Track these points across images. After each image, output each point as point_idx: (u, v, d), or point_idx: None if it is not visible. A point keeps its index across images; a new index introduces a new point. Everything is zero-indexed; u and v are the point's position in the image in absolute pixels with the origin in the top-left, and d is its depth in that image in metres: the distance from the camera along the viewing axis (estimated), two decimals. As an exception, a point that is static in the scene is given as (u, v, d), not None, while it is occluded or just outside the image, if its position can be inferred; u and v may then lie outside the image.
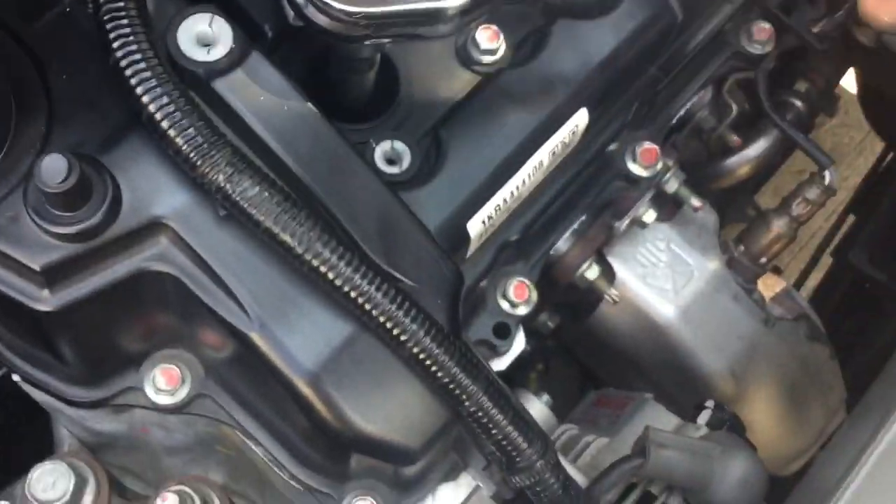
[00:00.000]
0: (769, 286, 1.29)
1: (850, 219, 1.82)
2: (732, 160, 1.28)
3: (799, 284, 1.91)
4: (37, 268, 0.70)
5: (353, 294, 0.71)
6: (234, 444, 0.91)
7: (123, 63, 0.68)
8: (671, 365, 1.17)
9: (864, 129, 2.17)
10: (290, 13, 0.76)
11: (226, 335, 0.77)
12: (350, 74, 0.84)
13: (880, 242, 1.57)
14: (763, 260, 1.21)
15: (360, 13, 0.70)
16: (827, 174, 1.16)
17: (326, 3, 0.70)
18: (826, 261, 1.88)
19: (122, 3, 0.70)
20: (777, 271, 1.48)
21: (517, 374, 1.33)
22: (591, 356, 1.32)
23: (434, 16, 0.71)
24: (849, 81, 1.58)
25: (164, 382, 0.84)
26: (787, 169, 1.77)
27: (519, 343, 0.95)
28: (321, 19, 0.71)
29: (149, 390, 0.85)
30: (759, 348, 1.19)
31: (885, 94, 1.48)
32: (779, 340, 1.21)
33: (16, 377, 0.88)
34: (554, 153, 0.87)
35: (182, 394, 0.85)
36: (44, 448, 0.97)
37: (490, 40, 0.87)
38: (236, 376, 0.84)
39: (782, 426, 1.21)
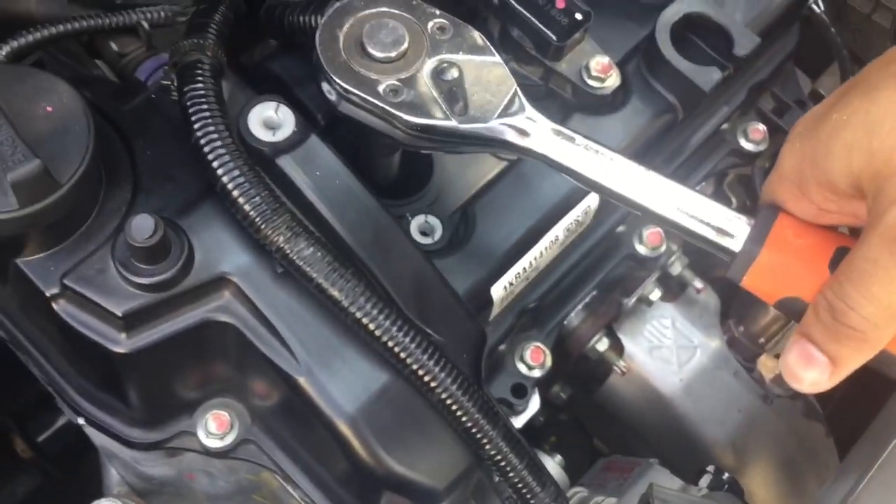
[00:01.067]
0: (770, 368, 1.38)
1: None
2: (733, 249, 1.39)
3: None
4: (119, 313, 0.80)
5: (390, 344, 0.81)
6: (272, 491, 0.99)
7: (203, 141, 0.80)
8: (675, 435, 1.26)
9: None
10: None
11: (275, 381, 0.86)
12: (389, 158, 0.97)
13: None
14: (761, 340, 1.31)
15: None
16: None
17: (344, 89, 0.81)
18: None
19: (202, 91, 0.82)
20: (777, 356, 1.57)
21: (531, 445, 1.42)
22: (601, 426, 1.40)
23: (392, 120, 0.81)
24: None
25: (214, 427, 0.94)
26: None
27: (534, 404, 1.05)
28: (350, 109, 0.82)
29: (201, 434, 0.94)
30: (758, 423, 1.27)
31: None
32: (777, 416, 1.29)
33: (80, 420, 0.98)
34: (568, 230, 0.98)
35: (230, 438, 0.94)
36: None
37: (513, 132, 0.99)
38: (280, 423, 0.93)
39: (779, 498, 1.28)
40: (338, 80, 0.81)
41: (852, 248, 0.70)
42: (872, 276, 0.67)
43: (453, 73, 0.83)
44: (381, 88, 0.81)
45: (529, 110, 0.82)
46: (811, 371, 0.71)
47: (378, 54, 0.82)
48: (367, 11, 0.83)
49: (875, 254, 0.67)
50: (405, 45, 0.82)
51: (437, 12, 0.85)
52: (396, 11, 0.84)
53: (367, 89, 0.81)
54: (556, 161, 0.81)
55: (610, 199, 0.81)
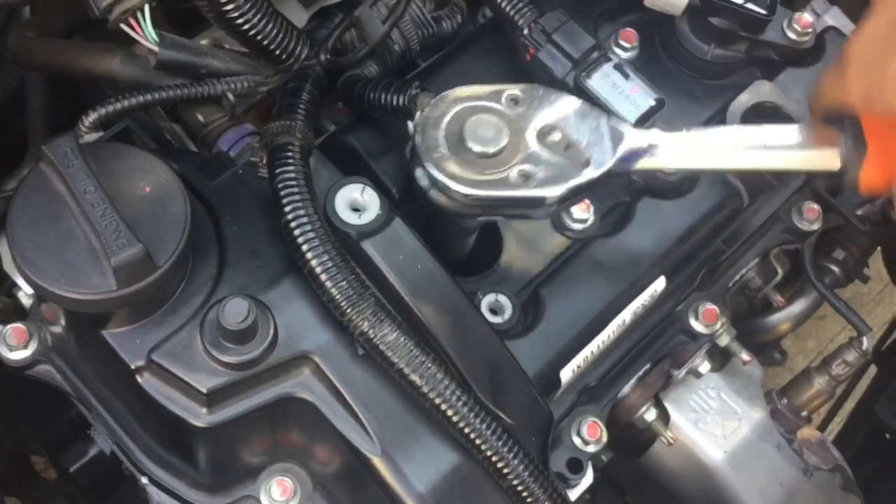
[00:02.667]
0: (805, 436, 1.39)
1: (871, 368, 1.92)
2: (775, 317, 1.40)
3: (822, 429, 2.00)
4: (204, 390, 0.82)
5: (466, 429, 0.83)
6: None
7: (293, 224, 0.82)
8: (717, 505, 1.27)
9: (883, 280, 2.29)
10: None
11: (346, 455, 0.88)
12: (459, 237, 0.98)
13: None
14: (804, 413, 1.32)
15: (473, 196, 0.84)
16: (864, 340, 1.28)
17: (446, 187, 0.84)
18: (846, 407, 1.98)
19: (292, 174, 0.84)
20: (808, 420, 1.58)
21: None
22: (640, 491, 1.41)
23: (537, 203, 0.85)
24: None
25: (278, 493, 0.95)
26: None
27: (588, 478, 1.06)
28: (442, 200, 0.85)
29: (264, 499, 0.95)
30: (798, 496, 1.28)
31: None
32: (816, 489, 1.30)
33: (144, 479, 0.99)
34: (635, 313, 0.99)
35: (292, 505, 0.96)
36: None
37: (582, 210, 1.01)
38: (341, 490, 0.94)
39: (817, 571, 1.29)
40: (472, 191, 0.84)
41: None
42: None
43: (556, 135, 0.86)
44: (511, 178, 0.84)
45: (630, 129, 0.88)
46: None
47: (489, 149, 0.85)
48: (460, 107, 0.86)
49: None
50: (505, 138, 0.85)
51: (507, 88, 0.89)
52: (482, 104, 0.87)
53: (496, 185, 0.84)
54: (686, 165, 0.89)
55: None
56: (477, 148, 0.84)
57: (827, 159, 0.87)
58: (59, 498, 1.51)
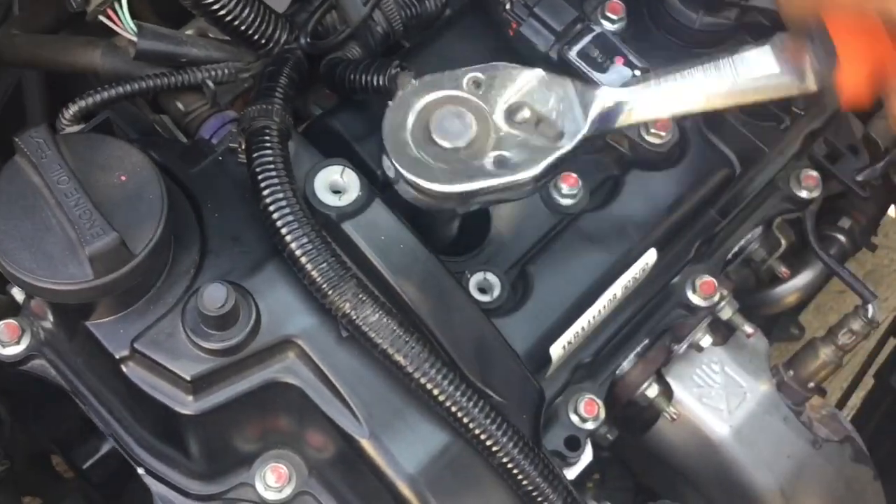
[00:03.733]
0: (815, 408, 1.37)
1: (891, 341, 1.90)
2: (781, 289, 1.39)
3: (841, 405, 1.98)
4: (188, 378, 0.82)
5: (453, 408, 0.82)
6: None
7: (271, 208, 0.81)
8: (723, 481, 1.25)
9: (904, 251, 2.26)
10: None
11: (336, 439, 0.87)
12: (445, 220, 0.97)
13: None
14: (811, 384, 1.30)
15: (444, 192, 0.82)
16: (870, 308, 1.26)
17: (415, 183, 0.82)
18: (867, 381, 1.96)
19: (270, 158, 0.83)
20: (822, 392, 1.56)
21: (574, 482, 1.42)
22: (647, 469, 1.40)
23: (515, 186, 0.83)
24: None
25: (273, 480, 0.95)
26: (828, 288, 1.87)
27: (587, 455, 1.05)
28: (411, 194, 0.83)
29: (259, 486, 0.95)
30: (807, 468, 1.26)
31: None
32: (825, 461, 1.28)
33: (140, 470, 0.99)
34: (626, 287, 0.98)
35: (287, 491, 0.95)
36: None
37: (570, 186, 1.00)
38: (337, 476, 0.94)
39: (829, 543, 1.28)
40: (445, 187, 0.82)
41: None
42: None
43: (524, 112, 0.84)
44: (485, 167, 0.82)
45: (598, 91, 0.85)
46: None
47: (459, 143, 0.83)
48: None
49: None
50: (473, 129, 0.83)
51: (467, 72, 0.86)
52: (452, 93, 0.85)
53: (471, 177, 0.81)
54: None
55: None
56: (446, 144, 0.82)
57: (801, 78, 0.82)
58: (75, 495, 1.52)
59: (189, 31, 1.05)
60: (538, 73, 0.85)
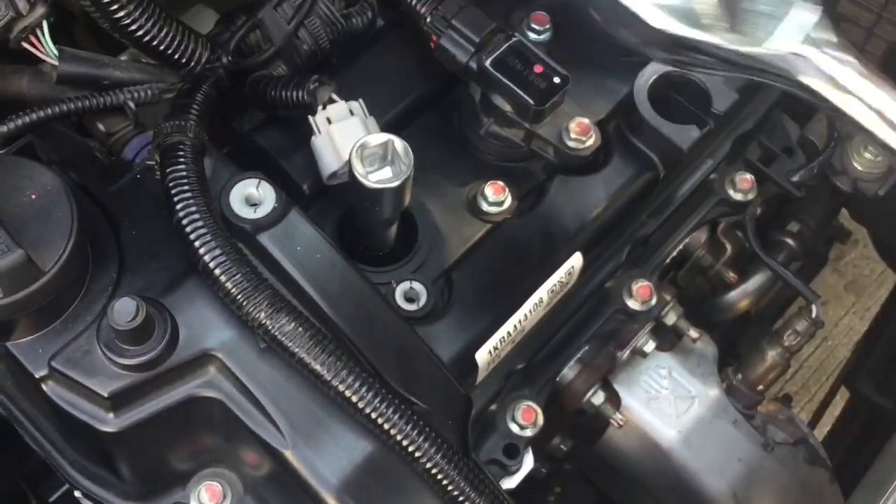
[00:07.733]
0: (770, 412, 1.37)
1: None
2: (731, 295, 1.39)
3: (820, 414, 1.97)
4: (105, 394, 0.82)
5: (373, 415, 0.82)
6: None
7: (184, 221, 0.82)
8: (676, 487, 1.25)
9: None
10: (324, 174, 0.90)
11: (263, 454, 0.87)
12: (375, 228, 0.98)
13: (885, 370, 1.64)
14: (760, 387, 1.30)
15: None
16: (813, 308, 1.26)
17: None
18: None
19: (183, 172, 0.84)
20: (788, 399, 1.56)
21: (536, 496, 1.42)
22: (603, 478, 1.40)
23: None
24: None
25: (207, 498, 0.94)
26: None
27: (527, 463, 1.05)
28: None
29: (194, 505, 0.95)
30: (759, 472, 1.26)
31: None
32: (778, 464, 1.28)
33: (77, 493, 0.99)
34: (552, 291, 0.99)
35: (223, 509, 0.95)
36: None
37: (497, 193, 1.00)
38: (271, 493, 0.94)
39: (785, 545, 1.27)
40: None
41: None
42: None
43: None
44: None
45: None
46: None
47: None
48: None
49: None
50: None
51: None
52: None
53: None
54: None
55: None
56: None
57: None
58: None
59: (123, 57, 1.06)
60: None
